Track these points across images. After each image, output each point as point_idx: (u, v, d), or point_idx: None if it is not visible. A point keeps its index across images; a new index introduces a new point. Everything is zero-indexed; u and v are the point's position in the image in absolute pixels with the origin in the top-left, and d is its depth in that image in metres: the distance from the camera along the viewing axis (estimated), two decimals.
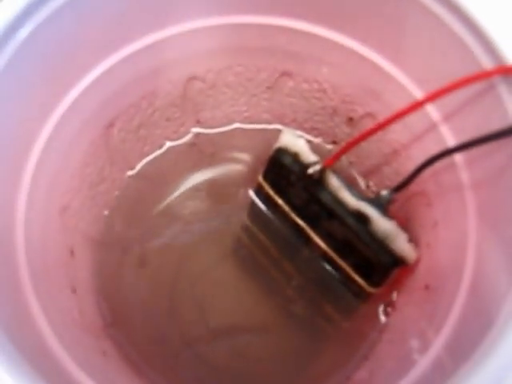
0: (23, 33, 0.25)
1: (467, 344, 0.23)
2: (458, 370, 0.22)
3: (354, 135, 0.38)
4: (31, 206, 0.28)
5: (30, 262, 0.27)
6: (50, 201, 0.30)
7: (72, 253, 0.32)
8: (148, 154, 0.39)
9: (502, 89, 0.25)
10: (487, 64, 0.25)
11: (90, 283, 0.34)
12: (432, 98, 0.27)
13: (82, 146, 0.33)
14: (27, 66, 0.26)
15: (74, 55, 0.29)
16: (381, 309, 0.35)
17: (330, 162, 0.32)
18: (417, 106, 0.28)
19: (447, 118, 0.29)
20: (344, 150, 0.32)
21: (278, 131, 0.40)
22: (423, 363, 0.26)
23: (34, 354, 0.24)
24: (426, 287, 0.31)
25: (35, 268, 0.28)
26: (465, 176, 0.29)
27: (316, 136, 0.40)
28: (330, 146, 0.40)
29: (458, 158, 0.29)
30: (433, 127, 0.30)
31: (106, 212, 0.37)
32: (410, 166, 0.33)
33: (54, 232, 0.31)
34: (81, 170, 0.33)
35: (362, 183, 0.39)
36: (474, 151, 0.27)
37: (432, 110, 0.30)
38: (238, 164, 0.40)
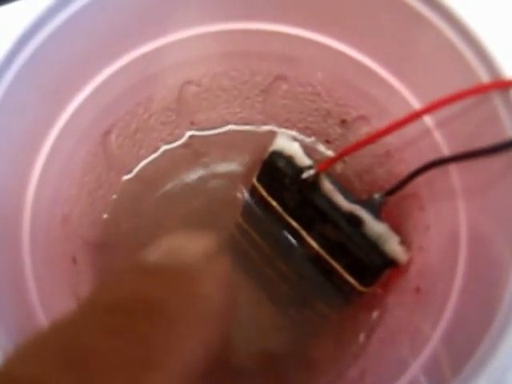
0: (26, 52, 0.26)
1: (463, 347, 0.24)
2: (455, 373, 0.23)
3: (346, 136, 0.38)
4: (35, 217, 0.29)
5: (36, 273, 0.28)
6: (53, 211, 0.31)
7: (74, 260, 0.33)
8: (144, 158, 0.40)
9: (498, 102, 0.25)
10: (484, 77, 0.26)
11: (91, 288, 0.35)
12: (430, 109, 0.28)
13: (80, 155, 0.33)
14: (29, 84, 0.27)
15: (73, 69, 0.29)
16: (372, 308, 0.36)
17: (324, 167, 0.33)
18: (414, 116, 0.28)
19: (442, 125, 0.30)
20: (338, 157, 0.32)
21: (272, 131, 0.41)
22: (417, 366, 0.27)
23: None
24: (417, 289, 0.32)
25: (41, 278, 0.28)
26: (457, 183, 0.30)
27: (309, 135, 0.41)
28: (323, 146, 0.41)
29: (452, 165, 0.30)
30: (427, 133, 0.31)
31: (104, 216, 0.38)
32: (402, 168, 0.34)
33: (57, 241, 0.31)
34: (80, 178, 0.34)
35: (354, 182, 0.40)
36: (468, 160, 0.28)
37: (427, 117, 0.30)
38: (232, 163, 0.41)
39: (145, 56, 0.32)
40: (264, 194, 0.37)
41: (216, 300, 0.23)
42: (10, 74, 0.26)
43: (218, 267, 0.25)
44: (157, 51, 0.33)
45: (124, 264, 0.23)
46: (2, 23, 0.25)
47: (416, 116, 0.28)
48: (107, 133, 0.35)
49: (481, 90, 0.26)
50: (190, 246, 0.25)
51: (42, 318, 0.27)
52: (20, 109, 0.27)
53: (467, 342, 0.24)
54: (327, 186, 0.34)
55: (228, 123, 0.41)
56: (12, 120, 0.27)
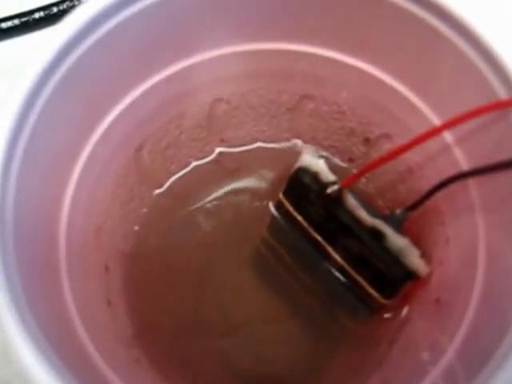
0: (63, 68, 0.27)
1: (480, 356, 0.24)
2: (472, 381, 0.23)
3: (369, 154, 0.39)
4: (71, 228, 0.30)
5: (72, 280, 0.29)
6: (87, 222, 0.32)
7: (107, 268, 0.35)
8: (175, 173, 0.41)
9: None
10: (503, 94, 0.27)
11: (121, 295, 0.36)
12: (449, 125, 0.29)
13: (114, 169, 0.35)
14: (66, 99, 0.28)
15: (108, 86, 0.31)
16: (393, 319, 0.36)
17: (348, 183, 0.34)
18: (434, 132, 0.30)
19: (461, 141, 0.31)
20: (362, 173, 0.34)
21: (297, 149, 0.42)
22: (435, 374, 0.28)
23: (77, 366, 0.26)
24: (438, 300, 0.32)
25: (76, 286, 0.30)
26: (476, 198, 0.30)
27: (333, 153, 0.42)
28: (346, 164, 0.42)
29: (471, 180, 0.30)
30: (446, 149, 0.32)
31: (136, 228, 0.39)
32: (423, 185, 0.35)
33: (91, 251, 0.33)
34: (113, 191, 0.35)
35: (376, 198, 0.41)
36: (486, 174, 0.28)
37: (446, 133, 0.31)
38: (259, 179, 0.42)
39: (177, 74, 0.34)
40: (290, 208, 0.39)
41: None
42: (48, 89, 0.27)
43: None
44: (189, 70, 0.34)
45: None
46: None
47: (435, 131, 0.29)
48: (139, 148, 0.37)
49: (499, 106, 0.27)
50: None
51: (78, 323, 0.29)
52: (58, 122, 0.28)
53: (481, 355, 0.24)
54: (351, 201, 0.35)
55: (256, 140, 0.43)
56: (50, 133, 0.28)
